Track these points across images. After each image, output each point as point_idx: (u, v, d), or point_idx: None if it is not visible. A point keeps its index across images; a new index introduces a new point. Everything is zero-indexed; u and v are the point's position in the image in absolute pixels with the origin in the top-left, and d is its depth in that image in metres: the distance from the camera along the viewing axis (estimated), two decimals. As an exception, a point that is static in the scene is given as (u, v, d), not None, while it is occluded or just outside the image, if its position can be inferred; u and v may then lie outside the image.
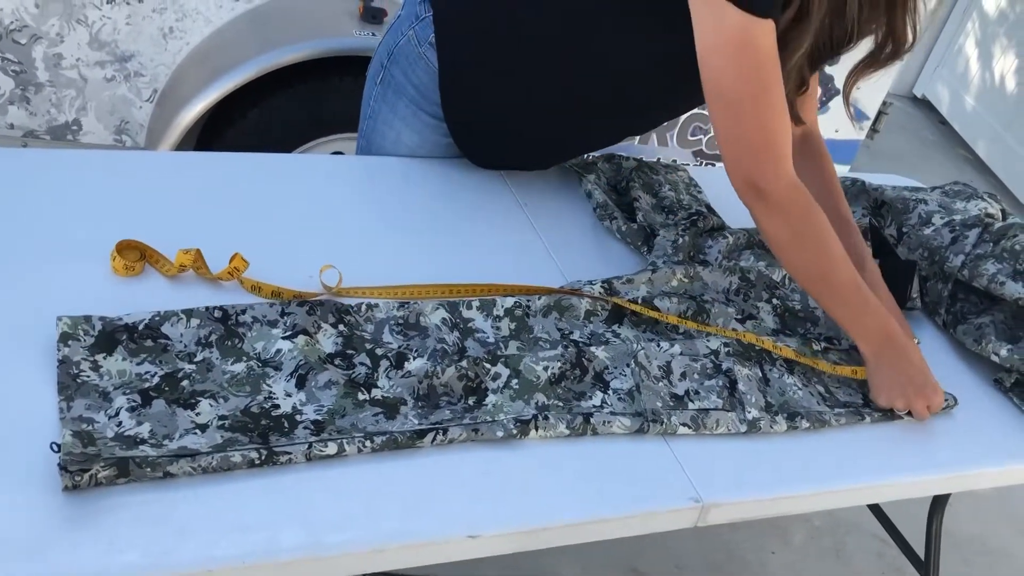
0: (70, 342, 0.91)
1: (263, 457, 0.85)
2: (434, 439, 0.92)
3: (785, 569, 1.95)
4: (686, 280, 1.22)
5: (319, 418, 0.92)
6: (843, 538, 2.05)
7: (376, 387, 0.97)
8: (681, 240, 1.28)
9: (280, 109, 1.95)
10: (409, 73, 1.30)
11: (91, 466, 0.79)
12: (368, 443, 0.89)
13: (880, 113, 2.62)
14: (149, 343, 0.94)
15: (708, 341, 1.12)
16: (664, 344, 1.09)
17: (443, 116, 1.32)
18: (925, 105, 4.63)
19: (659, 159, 2.36)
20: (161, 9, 1.90)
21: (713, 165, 2.52)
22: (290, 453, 0.86)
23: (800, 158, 1.27)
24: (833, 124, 2.55)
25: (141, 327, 0.94)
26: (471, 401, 0.98)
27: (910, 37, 1.12)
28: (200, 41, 1.95)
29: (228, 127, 1.96)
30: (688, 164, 2.48)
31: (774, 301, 1.25)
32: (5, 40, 1.84)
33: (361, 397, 0.95)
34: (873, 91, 2.55)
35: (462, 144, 1.36)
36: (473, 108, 1.30)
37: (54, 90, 1.93)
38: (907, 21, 1.11)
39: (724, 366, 1.10)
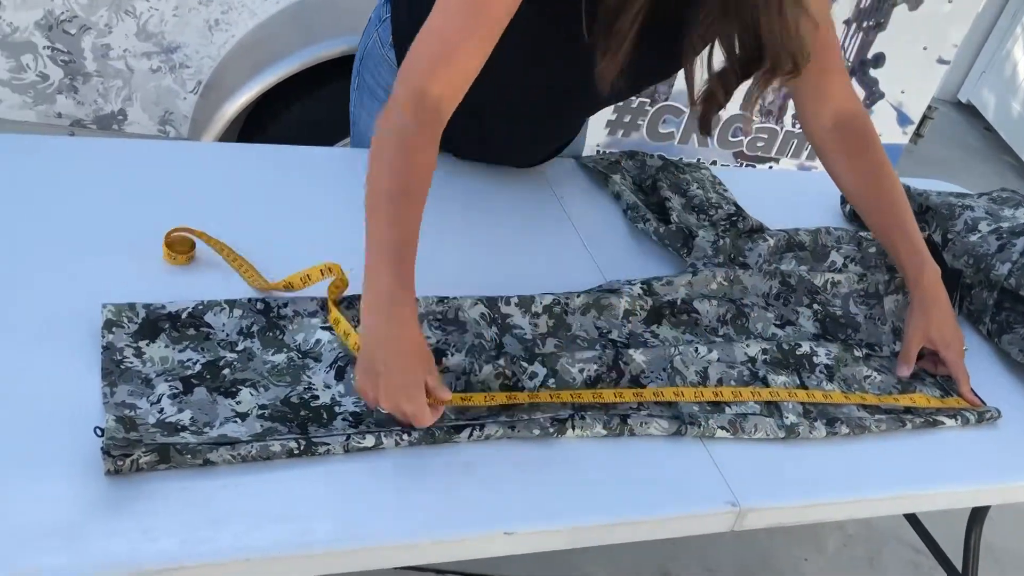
0: (114, 329, 0.92)
1: (302, 447, 0.86)
2: (471, 435, 0.92)
3: (818, 576, 1.93)
4: (726, 283, 1.21)
5: (357, 410, 0.92)
6: (878, 547, 2.02)
7: (413, 381, 0.97)
8: (721, 242, 1.27)
9: (323, 103, 1.96)
10: (377, 76, 1.29)
11: (133, 451, 0.80)
12: (405, 436, 0.90)
13: (925, 117, 2.58)
14: (192, 331, 0.95)
15: (747, 347, 1.11)
16: (702, 349, 1.08)
17: None
18: (970, 111, 4.56)
19: (699, 160, 2.35)
20: (207, 1, 1.92)
21: (753, 166, 2.50)
22: (328, 444, 0.87)
23: (838, 147, 1.23)
24: (876, 128, 2.51)
25: (184, 315, 0.95)
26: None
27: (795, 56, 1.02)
28: (245, 34, 1.97)
29: (271, 120, 1.98)
30: (728, 165, 2.47)
31: (815, 306, 1.24)
32: (55, 30, 1.87)
33: (398, 391, 0.95)
34: (918, 95, 2.52)
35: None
36: None
37: (101, 80, 1.96)
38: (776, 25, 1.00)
39: (761, 373, 1.09)
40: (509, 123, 1.29)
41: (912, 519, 1.76)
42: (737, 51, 1.05)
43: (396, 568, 0.88)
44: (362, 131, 1.37)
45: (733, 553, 1.92)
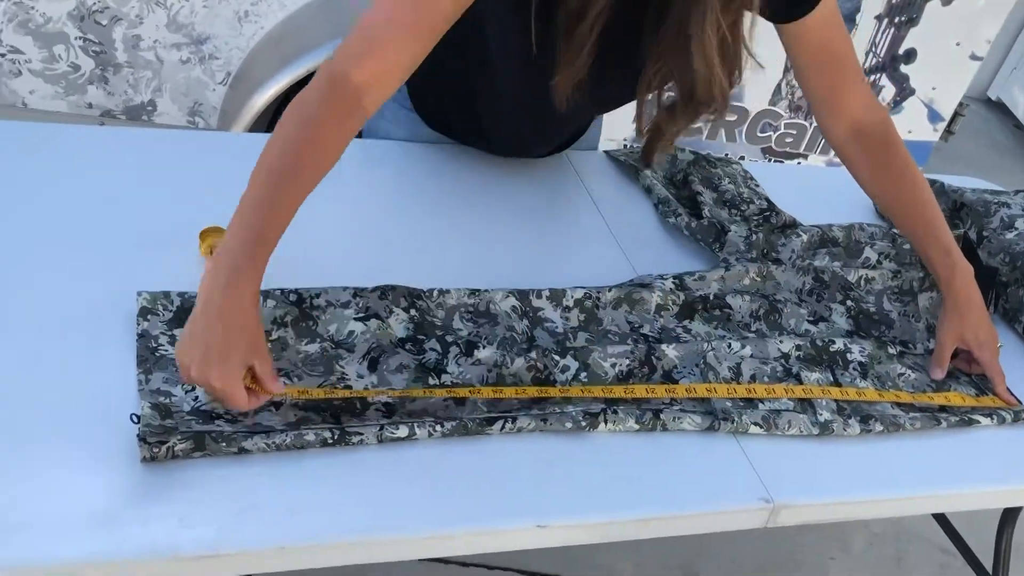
0: (149, 316, 0.93)
1: (335, 437, 0.86)
2: (503, 427, 0.92)
3: (844, 575, 1.92)
4: (759, 279, 1.20)
5: (390, 401, 0.92)
6: (905, 546, 2.00)
7: (446, 373, 0.97)
8: (754, 237, 1.26)
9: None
10: None
11: (168, 439, 0.80)
12: (438, 428, 0.89)
13: (956, 114, 2.55)
14: (225, 320, 0.95)
15: (780, 343, 1.10)
16: (735, 344, 1.07)
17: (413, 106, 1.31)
18: (999, 108, 4.50)
19: (727, 155, 2.34)
20: (237, -7, 1.92)
21: (782, 162, 2.48)
22: (362, 434, 0.87)
23: (859, 158, 1.21)
24: (906, 125, 2.49)
25: (218, 304, 0.95)
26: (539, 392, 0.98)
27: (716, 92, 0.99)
28: (274, 25, 1.97)
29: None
30: (756, 160, 2.45)
31: (848, 303, 1.23)
32: (87, 21, 1.88)
33: (431, 382, 0.95)
34: (950, 92, 2.49)
35: (441, 131, 1.35)
36: (428, 95, 1.28)
37: (132, 71, 1.97)
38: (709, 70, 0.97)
39: (794, 370, 1.08)
40: (501, 119, 1.28)
41: (940, 518, 1.74)
42: (687, 88, 1.02)
43: (422, 560, 0.88)
44: (371, 127, 1.36)
45: (759, 550, 1.91)
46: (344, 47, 0.93)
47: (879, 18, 2.29)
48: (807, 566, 1.92)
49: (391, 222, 1.19)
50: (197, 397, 0.87)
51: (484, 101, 1.24)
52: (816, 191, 1.52)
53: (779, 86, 2.35)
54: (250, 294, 0.85)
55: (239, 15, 1.95)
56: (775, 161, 2.48)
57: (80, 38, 1.90)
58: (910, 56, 2.37)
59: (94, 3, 1.86)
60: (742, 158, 2.47)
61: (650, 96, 1.06)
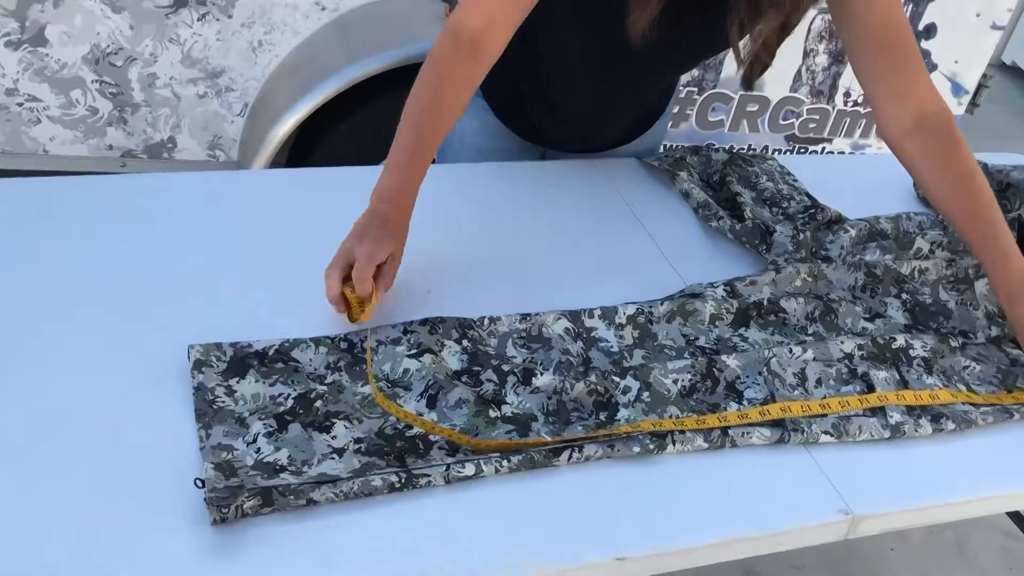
0: (204, 368, 0.91)
1: (403, 480, 0.84)
2: (570, 457, 0.90)
3: (906, 566, 1.88)
4: (810, 279, 1.17)
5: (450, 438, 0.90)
6: (965, 532, 1.97)
7: (505, 403, 0.95)
8: (801, 236, 1.23)
9: (371, 119, 1.95)
10: None
11: (236, 498, 0.79)
12: (505, 463, 0.87)
13: (980, 86, 2.51)
14: (280, 365, 0.93)
15: (842, 344, 1.07)
16: (796, 349, 1.05)
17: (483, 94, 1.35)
18: (1017, 73, 4.44)
19: (749, 146, 2.31)
20: (250, 23, 1.91)
21: (805, 150, 2.45)
22: (429, 475, 0.85)
23: (922, 150, 1.16)
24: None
25: (271, 352, 0.94)
26: (602, 416, 0.96)
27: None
28: (288, 53, 1.96)
29: (322, 137, 1.97)
30: (780, 149, 2.42)
31: (903, 296, 1.20)
32: (103, 63, 1.87)
33: (492, 414, 0.93)
34: (973, 63, 2.45)
35: (505, 120, 1.37)
36: (499, 81, 1.28)
37: (149, 109, 1.96)
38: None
39: (860, 370, 1.05)
40: (570, 89, 1.29)
41: (1003, 503, 1.71)
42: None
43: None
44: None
45: (818, 547, 1.87)
46: (459, 5, 1.05)
47: (896, -4, 2.25)
48: (867, 559, 1.89)
49: (426, 247, 1.17)
50: (259, 449, 0.85)
51: (553, 68, 1.26)
52: (846, 179, 1.49)
53: (799, 72, 2.31)
54: (406, 207, 1.03)
55: (252, 45, 1.94)
56: (799, 147, 2.44)
57: (96, 81, 1.89)
58: (930, 31, 2.34)
59: (108, 45, 1.85)
60: (766, 147, 2.44)
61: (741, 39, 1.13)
